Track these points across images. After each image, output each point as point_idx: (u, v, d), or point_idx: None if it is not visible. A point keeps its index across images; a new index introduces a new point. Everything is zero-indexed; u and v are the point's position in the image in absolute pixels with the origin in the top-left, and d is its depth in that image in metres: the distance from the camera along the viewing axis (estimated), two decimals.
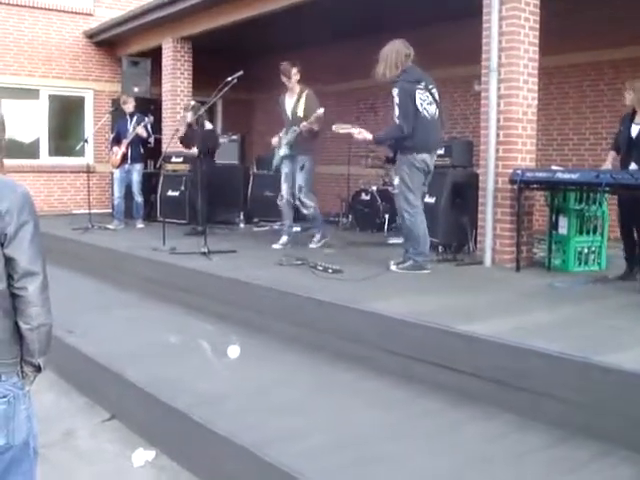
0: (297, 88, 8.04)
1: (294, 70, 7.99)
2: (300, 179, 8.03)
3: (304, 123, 7.76)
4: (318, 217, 8.21)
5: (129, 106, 10.51)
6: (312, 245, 8.05)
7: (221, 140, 11.47)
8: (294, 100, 8.05)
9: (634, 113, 6.13)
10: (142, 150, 10.57)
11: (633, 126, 6.07)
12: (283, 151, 8.05)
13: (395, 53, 6.34)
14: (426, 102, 6.34)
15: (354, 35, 11.39)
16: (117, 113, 11.17)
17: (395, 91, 6.29)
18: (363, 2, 9.72)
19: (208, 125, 9.82)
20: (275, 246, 8.10)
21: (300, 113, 7.94)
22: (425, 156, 6.37)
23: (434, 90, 6.43)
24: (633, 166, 5.91)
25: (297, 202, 8.10)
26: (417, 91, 6.28)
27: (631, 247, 6.23)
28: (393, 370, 4.50)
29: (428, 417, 3.84)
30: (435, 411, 3.92)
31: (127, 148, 10.36)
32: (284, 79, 8.05)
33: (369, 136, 6.77)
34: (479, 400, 3.97)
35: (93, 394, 4.82)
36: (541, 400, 3.73)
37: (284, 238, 8.23)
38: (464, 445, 3.45)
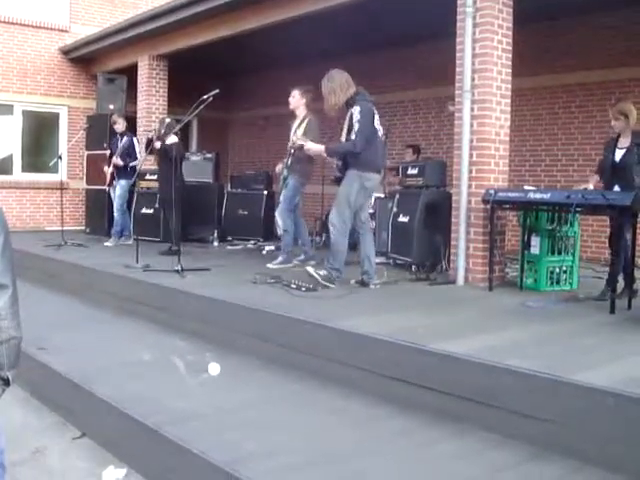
0: (302, 113, 8.08)
1: (293, 93, 8.09)
2: (281, 195, 8.12)
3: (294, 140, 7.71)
4: (287, 242, 8.12)
5: (118, 126, 10.85)
6: (270, 265, 7.96)
7: (195, 158, 11.53)
8: (296, 124, 8.09)
9: (619, 138, 6.21)
10: (127, 167, 10.75)
11: (617, 150, 6.15)
12: (284, 174, 8.10)
13: (339, 77, 6.53)
14: (379, 123, 6.60)
15: (330, 56, 11.45)
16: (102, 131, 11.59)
17: (357, 109, 6.41)
18: (335, 25, 9.81)
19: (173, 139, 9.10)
20: (295, 261, 8.19)
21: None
22: (375, 176, 6.57)
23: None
24: (617, 188, 5.99)
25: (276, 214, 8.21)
26: (374, 110, 6.51)
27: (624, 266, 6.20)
28: (368, 388, 4.50)
29: (402, 435, 3.84)
30: (409, 429, 3.92)
31: (114, 167, 10.79)
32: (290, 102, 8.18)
33: (321, 147, 7.03)
34: (453, 418, 3.98)
35: (64, 411, 4.77)
36: (514, 418, 3.75)
37: (301, 256, 8.31)
38: (436, 463, 3.45)
